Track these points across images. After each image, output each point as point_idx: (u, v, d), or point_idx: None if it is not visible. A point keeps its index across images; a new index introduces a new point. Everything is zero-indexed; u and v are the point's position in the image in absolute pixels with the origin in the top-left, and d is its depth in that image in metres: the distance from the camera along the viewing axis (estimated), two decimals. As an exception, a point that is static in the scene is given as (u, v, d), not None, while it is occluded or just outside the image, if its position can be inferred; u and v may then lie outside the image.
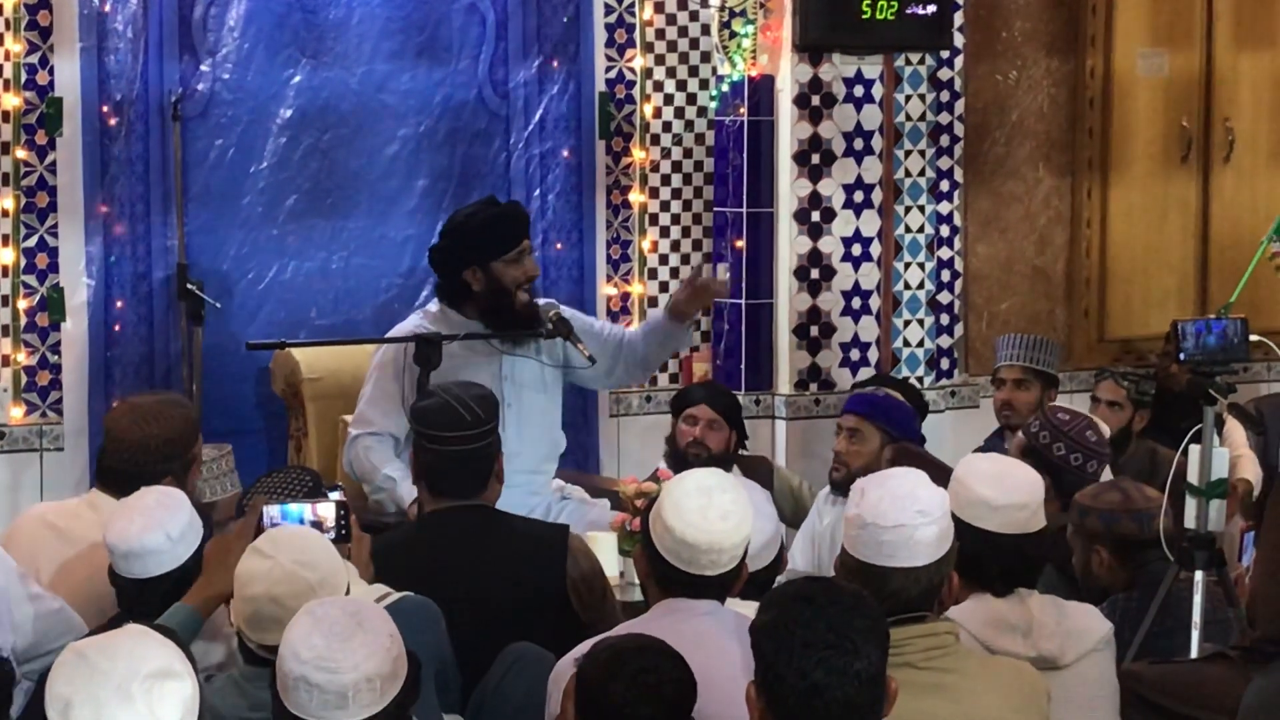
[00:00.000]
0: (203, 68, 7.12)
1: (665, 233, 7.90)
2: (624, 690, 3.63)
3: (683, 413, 6.71)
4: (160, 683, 2.91)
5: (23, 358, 6.90)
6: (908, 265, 7.95)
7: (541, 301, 6.49)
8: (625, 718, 3.62)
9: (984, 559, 4.24)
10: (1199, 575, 5.13)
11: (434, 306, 6.49)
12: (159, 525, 4.33)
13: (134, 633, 3.02)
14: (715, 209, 7.87)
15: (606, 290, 7.82)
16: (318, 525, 4.54)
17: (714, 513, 4.09)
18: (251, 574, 3.86)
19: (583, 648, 4.05)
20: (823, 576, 3.89)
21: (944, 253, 8.04)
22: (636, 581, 4.69)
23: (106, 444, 5.02)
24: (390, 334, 6.49)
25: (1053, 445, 5.70)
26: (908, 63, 7.89)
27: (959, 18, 7.99)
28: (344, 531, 4.57)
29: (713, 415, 6.64)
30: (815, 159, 7.76)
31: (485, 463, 5.09)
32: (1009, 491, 4.29)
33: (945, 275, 8.05)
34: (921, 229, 7.96)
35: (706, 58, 7.86)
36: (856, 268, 7.84)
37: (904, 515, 3.78)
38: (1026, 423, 6.05)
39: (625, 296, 7.85)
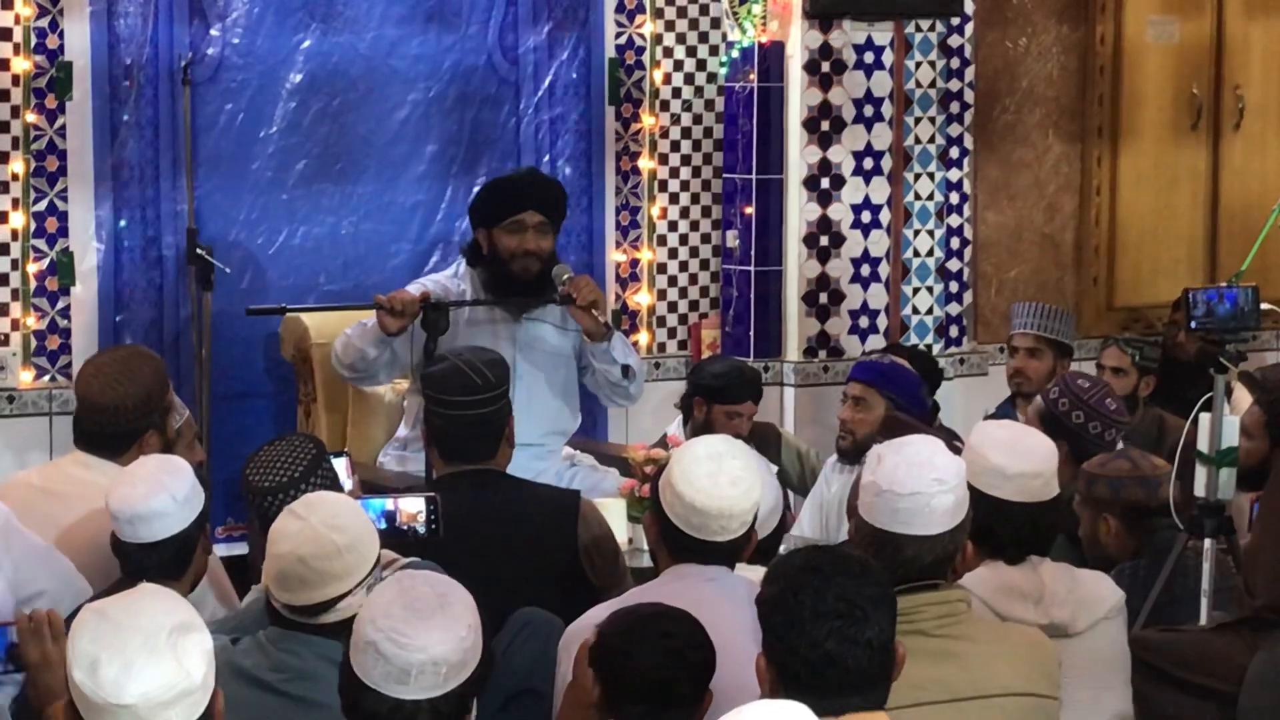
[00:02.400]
0: (212, 32, 7.11)
1: (674, 199, 7.90)
2: (648, 656, 3.64)
3: (725, 405, 6.59)
4: (185, 635, 2.94)
5: (32, 322, 6.91)
6: (917, 232, 7.94)
7: (556, 266, 6.48)
8: (649, 683, 3.63)
9: (996, 526, 4.24)
10: (1208, 543, 5.13)
11: (461, 266, 6.56)
12: (163, 489, 4.33)
13: (151, 590, 3.05)
14: (724, 175, 7.87)
15: (615, 256, 7.82)
16: (392, 519, 4.51)
17: (724, 479, 4.10)
18: (282, 533, 3.87)
19: (593, 614, 4.06)
20: (829, 545, 3.90)
21: (953, 220, 8.03)
22: (646, 548, 4.70)
23: (81, 410, 5.01)
24: (413, 284, 6.56)
25: (1071, 412, 5.70)
26: (918, 29, 7.87)
27: (969, -16, 7.99)
28: (434, 526, 4.55)
29: (754, 410, 6.64)
30: (825, 125, 7.75)
31: (496, 427, 5.10)
32: (1023, 459, 4.28)
33: (954, 242, 8.05)
34: (931, 196, 7.96)
35: (716, 23, 7.85)
36: (866, 235, 7.84)
37: (920, 483, 3.78)
38: (1045, 389, 6.04)
39: (634, 263, 7.85)
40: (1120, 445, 5.78)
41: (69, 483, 4.94)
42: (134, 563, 4.37)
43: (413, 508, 4.54)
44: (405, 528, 4.53)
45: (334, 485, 4.55)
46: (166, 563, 4.35)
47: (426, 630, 3.27)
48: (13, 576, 4.48)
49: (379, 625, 3.27)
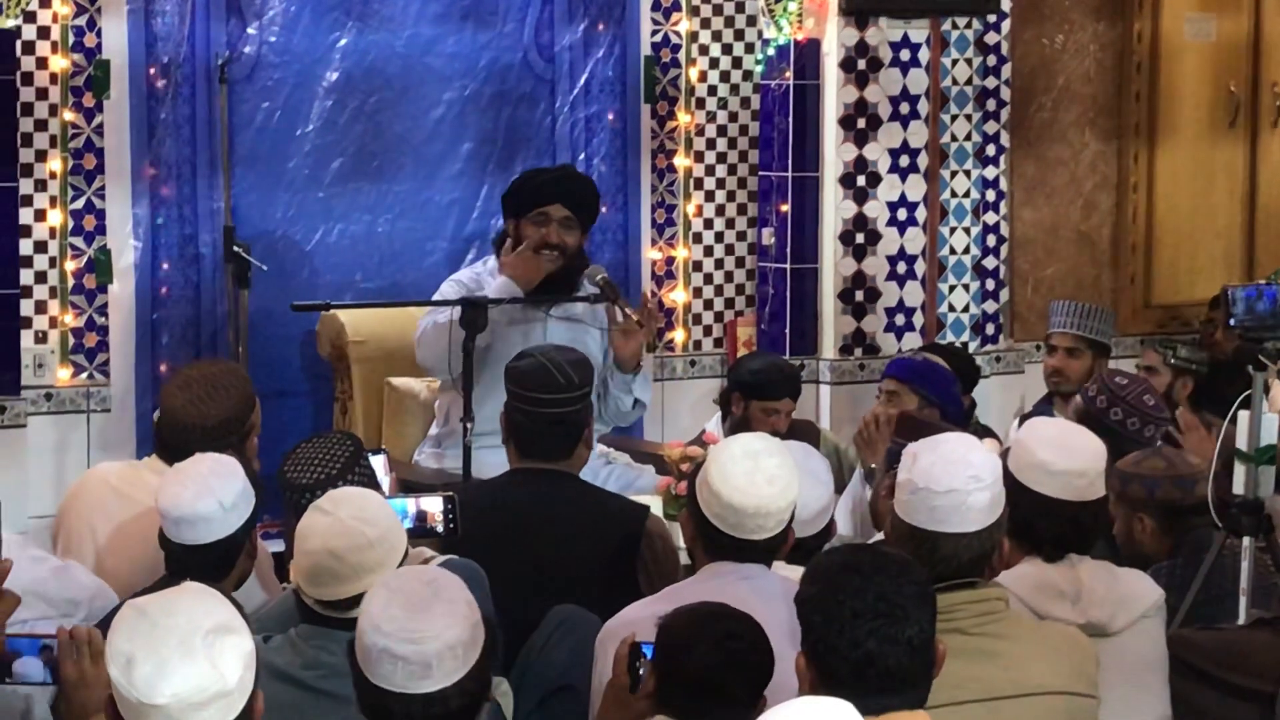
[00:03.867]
0: (249, 30, 7.13)
1: (710, 197, 7.90)
2: (709, 656, 3.62)
3: (762, 402, 6.60)
4: (221, 638, 2.92)
5: (70, 319, 6.94)
6: (953, 230, 7.93)
7: (590, 267, 6.49)
8: (711, 683, 3.62)
9: (1038, 524, 4.23)
10: (1246, 542, 5.11)
11: (491, 262, 6.57)
12: (211, 493, 4.34)
13: (192, 590, 3.04)
14: (760, 173, 7.86)
15: (651, 254, 7.82)
16: (422, 519, 4.53)
17: (761, 477, 4.09)
18: (311, 529, 3.88)
19: (630, 611, 4.07)
20: (867, 544, 3.90)
21: (989, 218, 8.01)
22: (683, 546, 4.70)
23: (163, 418, 5.01)
24: (448, 281, 6.58)
25: (1110, 410, 5.68)
26: (954, 26, 7.86)
27: (1006, -19, 7.97)
28: (452, 525, 4.55)
29: (792, 406, 6.65)
30: (861, 123, 7.74)
31: (576, 428, 5.09)
32: (1070, 458, 4.26)
33: (991, 240, 8.03)
34: (967, 194, 7.94)
35: (752, 21, 7.85)
36: (902, 232, 7.83)
37: (957, 480, 3.77)
38: (1084, 387, 6.02)
39: (670, 261, 7.85)
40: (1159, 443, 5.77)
41: (139, 488, 4.94)
42: (177, 561, 4.39)
43: (432, 507, 4.56)
44: (430, 527, 4.55)
45: (371, 482, 4.56)
46: (209, 565, 4.35)
47: (432, 620, 3.30)
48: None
49: (385, 631, 3.29)
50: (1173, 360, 7.15)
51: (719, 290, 7.93)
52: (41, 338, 6.92)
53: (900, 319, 7.84)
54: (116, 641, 2.93)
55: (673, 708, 3.64)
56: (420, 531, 4.55)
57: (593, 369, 5.26)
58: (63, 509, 5.08)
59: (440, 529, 4.58)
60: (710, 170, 7.89)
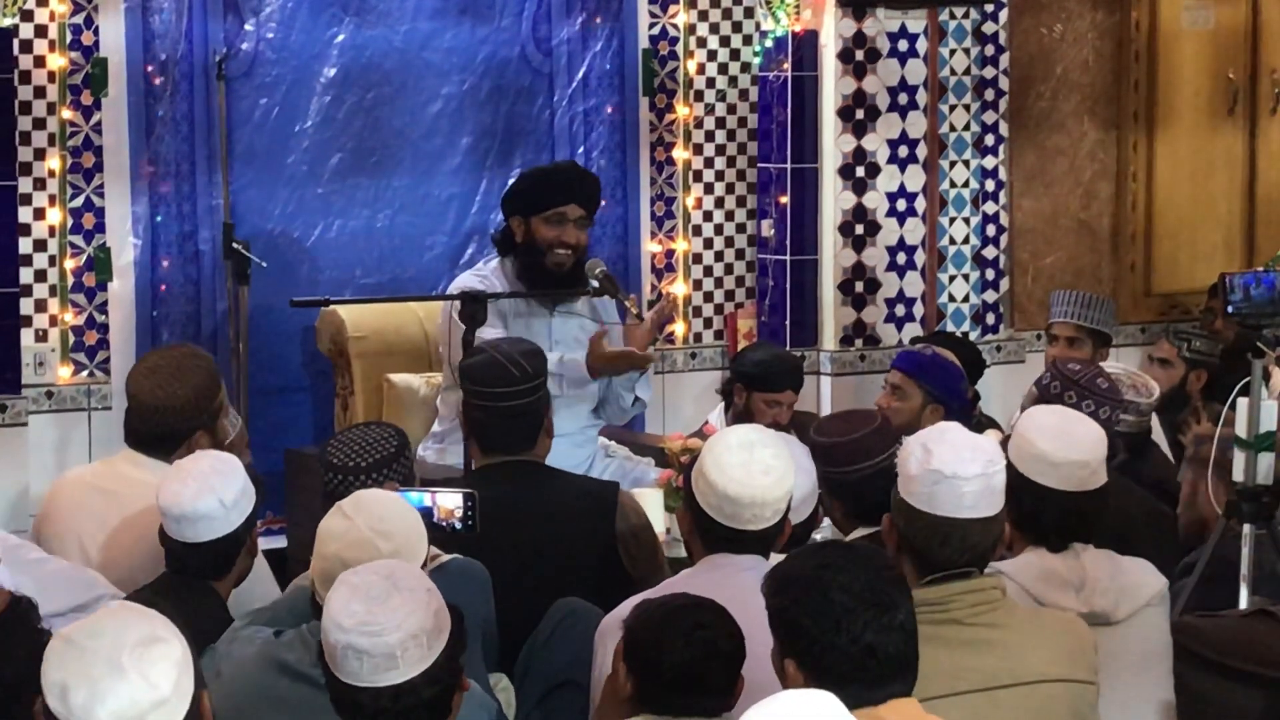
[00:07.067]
0: (247, 27, 7.13)
1: (709, 189, 7.90)
2: (680, 647, 3.63)
3: (764, 394, 6.63)
4: (148, 649, 2.91)
5: (70, 318, 6.94)
6: (953, 220, 7.93)
7: (589, 261, 6.50)
8: (682, 675, 3.63)
9: (1041, 514, 4.23)
10: (1247, 528, 5.11)
11: (493, 261, 6.58)
12: (212, 491, 4.34)
13: (113, 609, 3.05)
14: (759, 165, 7.86)
15: (651, 247, 7.82)
16: (430, 513, 4.44)
17: (756, 467, 4.10)
18: (329, 533, 3.86)
19: (628, 605, 4.06)
20: (830, 542, 3.91)
21: (989, 207, 8.01)
22: (681, 538, 4.70)
23: (132, 409, 5.01)
24: (449, 288, 6.59)
25: (1063, 394, 5.67)
26: (952, 16, 7.86)
27: (1003, -29, 7.97)
28: (470, 523, 4.52)
29: (794, 398, 6.67)
30: (859, 114, 7.74)
31: (535, 418, 5.10)
32: (1070, 448, 4.26)
33: (990, 230, 8.03)
34: (966, 184, 7.94)
35: (750, 13, 7.85)
36: (901, 223, 7.83)
37: (978, 465, 3.78)
38: (1039, 376, 6.03)
39: (669, 253, 7.85)
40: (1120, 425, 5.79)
41: (120, 481, 4.94)
42: (177, 559, 4.39)
43: (450, 503, 4.49)
44: (443, 523, 4.50)
45: (409, 477, 4.55)
46: (209, 564, 4.36)
47: (392, 611, 3.31)
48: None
49: (347, 627, 3.30)
50: (1187, 353, 7.13)
51: (719, 283, 7.93)
52: (42, 336, 6.92)
53: (900, 309, 7.85)
54: (49, 673, 2.92)
55: (654, 705, 3.65)
56: (436, 528, 4.49)
57: (545, 357, 5.26)
58: (41, 519, 5.04)
59: (459, 527, 4.53)
60: (709, 163, 7.89)
